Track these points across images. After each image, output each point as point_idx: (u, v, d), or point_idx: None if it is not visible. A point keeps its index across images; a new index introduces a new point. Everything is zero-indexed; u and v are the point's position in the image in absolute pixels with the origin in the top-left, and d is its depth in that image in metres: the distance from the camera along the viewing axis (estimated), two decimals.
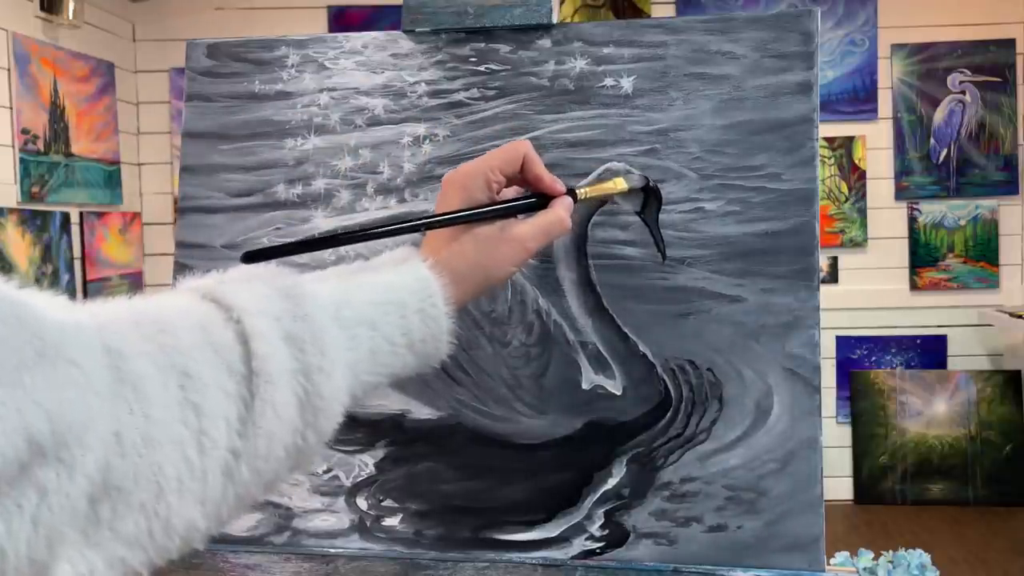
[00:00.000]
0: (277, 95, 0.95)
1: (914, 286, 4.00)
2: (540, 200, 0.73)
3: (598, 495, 0.82)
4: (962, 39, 3.93)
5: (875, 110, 3.97)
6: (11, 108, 3.17)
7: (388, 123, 0.92)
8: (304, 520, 0.87)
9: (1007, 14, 3.94)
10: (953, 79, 3.95)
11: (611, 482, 0.82)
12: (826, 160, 3.96)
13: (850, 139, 3.97)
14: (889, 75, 3.97)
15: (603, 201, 0.84)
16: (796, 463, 0.79)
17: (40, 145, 3.29)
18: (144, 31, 4.01)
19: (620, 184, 0.82)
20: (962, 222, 3.98)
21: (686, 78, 0.86)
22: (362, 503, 0.86)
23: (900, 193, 4.00)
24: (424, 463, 0.86)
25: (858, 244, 3.99)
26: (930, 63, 3.95)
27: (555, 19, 0.90)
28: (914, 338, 4.01)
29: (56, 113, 3.40)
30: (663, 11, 3.94)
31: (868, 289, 3.99)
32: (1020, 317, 3.55)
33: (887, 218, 4.00)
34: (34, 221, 3.24)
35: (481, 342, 0.86)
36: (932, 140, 3.97)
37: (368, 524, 0.85)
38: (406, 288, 0.64)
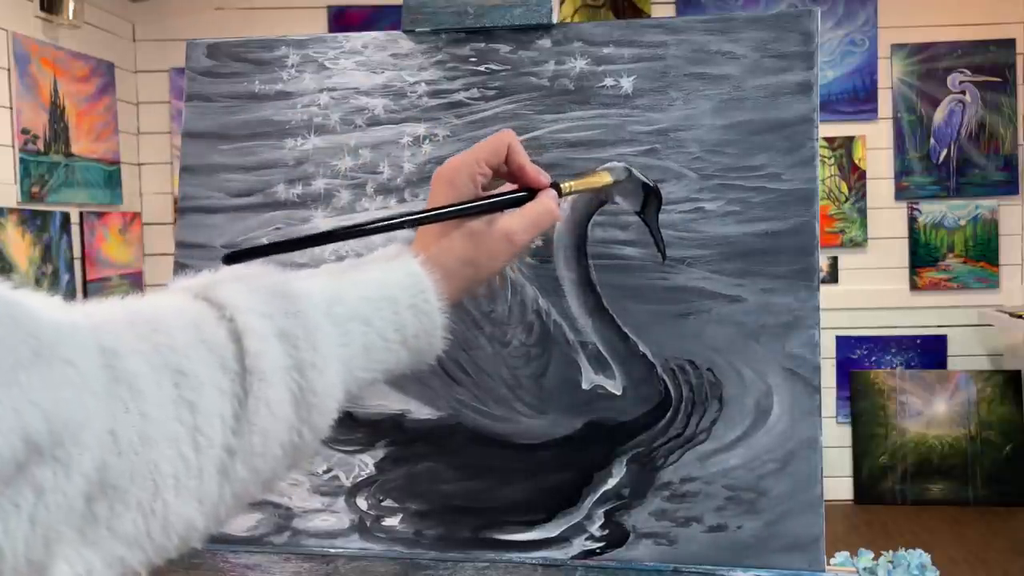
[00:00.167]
0: (277, 95, 0.95)
1: (914, 286, 4.00)
2: (529, 194, 0.72)
3: (598, 495, 0.82)
4: (962, 39, 3.93)
5: (875, 110, 3.97)
6: (11, 108, 3.17)
7: (388, 123, 0.92)
8: (304, 520, 0.87)
9: (1007, 14, 3.94)
10: (953, 79, 3.95)
11: (611, 482, 0.82)
12: (826, 160, 3.96)
13: (850, 139, 3.97)
14: (889, 75, 3.97)
15: (603, 201, 0.84)
16: (796, 463, 0.79)
17: (40, 145, 3.29)
18: (144, 31, 4.01)
19: (605, 177, 0.81)
20: (962, 222, 3.98)
21: (686, 78, 0.86)
22: (362, 503, 0.86)
23: (900, 193, 4.00)
24: (424, 463, 0.86)
25: (858, 244, 3.99)
26: (930, 63, 3.95)
27: (555, 19, 0.90)
28: (914, 338, 4.01)
29: (56, 113, 3.40)
30: (663, 11, 3.94)
31: (868, 289, 3.99)
32: (1020, 317, 3.55)
33: (887, 218, 4.00)
34: (34, 221, 3.24)
35: (481, 342, 0.86)
36: (932, 140, 3.97)
37: (368, 524, 0.85)
38: (398, 284, 0.64)
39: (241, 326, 0.53)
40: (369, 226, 0.67)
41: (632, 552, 0.80)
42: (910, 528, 3.65)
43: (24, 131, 3.21)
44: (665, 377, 0.83)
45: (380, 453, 0.87)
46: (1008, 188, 3.97)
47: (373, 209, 0.91)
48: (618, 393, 0.84)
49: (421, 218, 0.68)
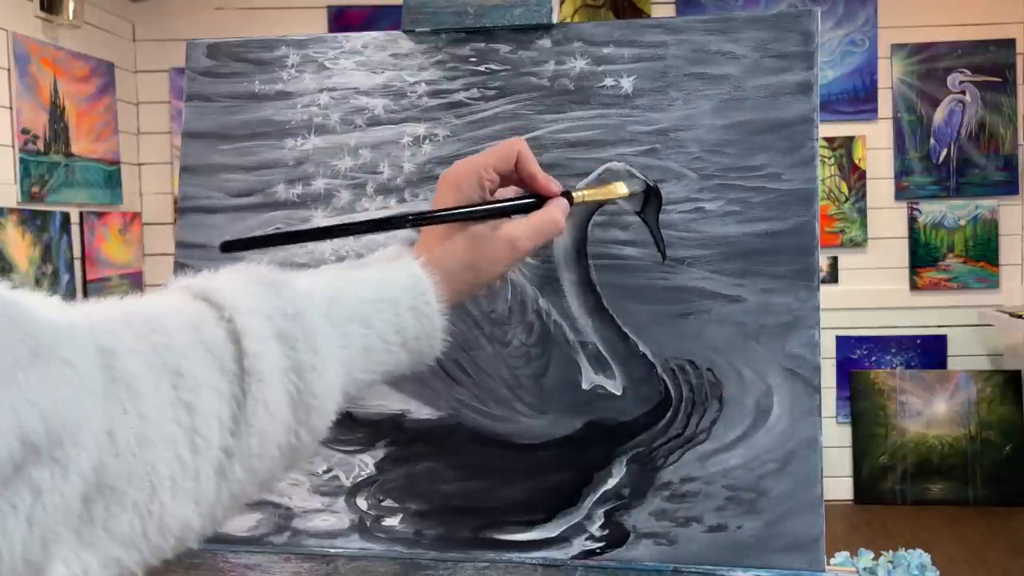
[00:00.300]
0: (277, 95, 0.95)
1: (914, 286, 4.00)
2: (536, 200, 0.73)
3: (598, 495, 0.82)
4: (962, 39, 3.93)
5: (875, 110, 3.97)
6: (11, 108, 3.17)
7: (388, 123, 0.92)
8: (304, 520, 0.87)
9: (1007, 14, 3.94)
10: (953, 79, 3.95)
11: (611, 482, 0.82)
12: (826, 160, 3.96)
13: (850, 139, 3.97)
14: (889, 75, 3.97)
15: (603, 201, 0.84)
16: (796, 463, 0.79)
17: (40, 145, 3.29)
18: (144, 31, 4.01)
19: (620, 189, 0.81)
20: (962, 222, 3.98)
21: (686, 78, 0.86)
22: (362, 503, 0.86)
23: (900, 193, 4.00)
24: (424, 463, 0.86)
25: (858, 244, 3.99)
26: (930, 63, 3.95)
27: (555, 19, 0.90)
28: (914, 338, 4.01)
29: (56, 113, 3.40)
30: (663, 11, 3.94)
31: (868, 289, 3.99)
32: (1020, 317, 3.55)
33: (887, 218, 4.00)
34: (34, 221, 3.24)
35: (481, 342, 0.86)
36: (932, 140, 3.97)
37: (368, 524, 0.85)
38: (398, 285, 0.64)
39: (240, 327, 0.53)
40: (373, 222, 0.67)
41: (632, 552, 0.80)
42: (910, 528, 3.65)
43: (24, 131, 3.21)
44: (665, 377, 0.83)
45: (380, 453, 0.87)
46: (1008, 188, 3.97)
47: (373, 209, 0.91)
48: (618, 393, 0.84)
49: (426, 218, 0.68)
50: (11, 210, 3.14)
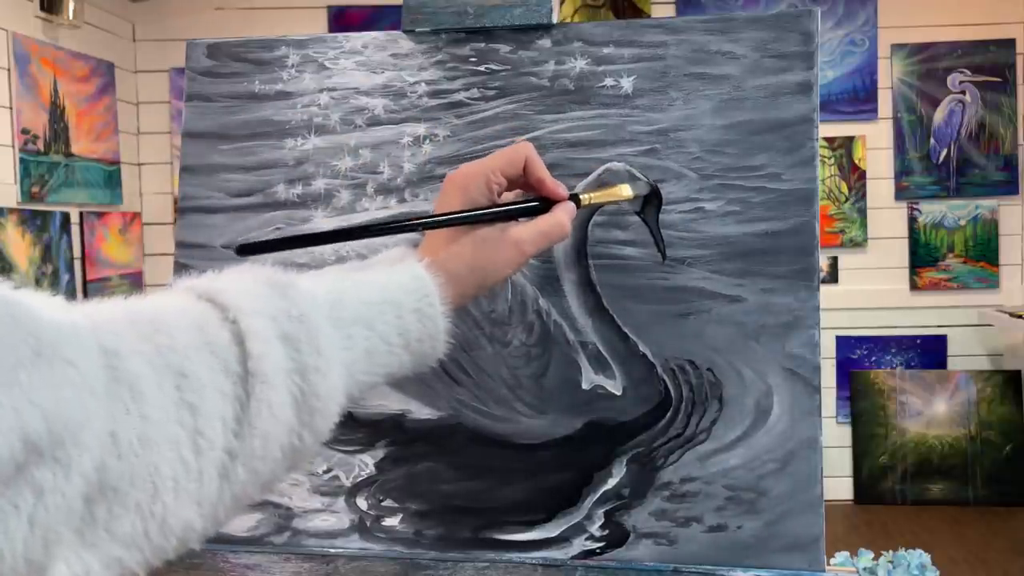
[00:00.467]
0: (277, 95, 0.95)
1: (914, 286, 4.00)
2: (542, 204, 0.73)
3: (598, 495, 0.82)
4: (962, 39, 3.93)
5: (875, 110, 3.97)
6: (11, 108, 3.17)
7: (388, 123, 0.92)
8: (304, 520, 0.87)
9: (1007, 14, 3.94)
10: (953, 79, 3.95)
11: (611, 482, 0.82)
12: (826, 160, 3.96)
13: (850, 139, 3.97)
14: (889, 75, 3.97)
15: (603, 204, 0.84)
16: (796, 463, 0.79)
17: (40, 145, 3.29)
18: (144, 31, 4.01)
19: (625, 191, 0.82)
20: (962, 222, 3.98)
21: (686, 78, 0.86)
22: (362, 503, 0.86)
23: (900, 193, 4.00)
24: (424, 463, 0.86)
25: (858, 244, 3.99)
26: (930, 63, 3.95)
27: (555, 19, 0.90)
28: (914, 338, 4.01)
29: (56, 113, 3.40)
30: (663, 11, 3.94)
31: (868, 289, 3.99)
32: (1020, 317, 3.55)
33: (887, 218, 4.00)
34: (34, 221, 3.24)
35: (481, 342, 0.86)
36: (932, 140, 3.97)
37: (368, 524, 0.85)
38: (402, 288, 0.64)
39: (244, 328, 0.53)
40: (385, 226, 0.68)
41: (632, 552, 0.80)
42: (910, 528, 3.65)
43: (24, 131, 3.21)
44: (665, 377, 0.83)
45: (380, 453, 0.87)
46: (1008, 188, 3.97)
47: (373, 209, 0.91)
48: (618, 393, 0.84)
49: (440, 221, 0.68)
50: (11, 210, 3.14)
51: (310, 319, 0.57)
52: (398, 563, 0.83)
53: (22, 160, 3.20)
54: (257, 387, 0.53)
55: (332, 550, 0.85)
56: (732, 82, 0.86)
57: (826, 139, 3.94)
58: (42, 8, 3.31)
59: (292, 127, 0.94)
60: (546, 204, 0.73)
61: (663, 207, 0.84)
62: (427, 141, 0.91)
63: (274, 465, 0.55)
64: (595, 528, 0.81)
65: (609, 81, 0.88)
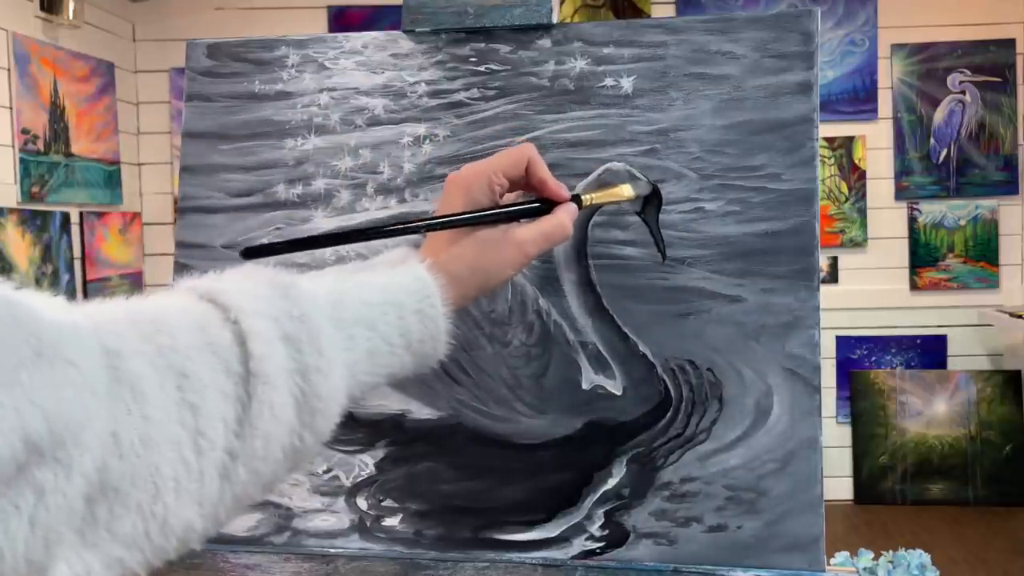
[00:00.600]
0: (277, 95, 0.95)
1: (914, 286, 4.00)
2: (544, 205, 0.73)
3: (598, 495, 0.82)
4: (962, 39, 3.93)
5: (875, 110, 3.97)
6: (11, 108, 3.17)
7: (388, 123, 0.92)
8: (304, 520, 0.87)
9: (1007, 14, 3.94)
10: (953, 79, 3.95)
11: (611, 482, 0.82)
12: (826, 160, 3.96)
13: (850, 139, 3.97)
14: (889, 75, 3.97)
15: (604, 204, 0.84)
16: (796, 463, 0.79)
17: (40, 145, 3.29)
18: (144, 31, 4.01)
19: (627, 191, 0.82)
20: (962, 222, 3.98)
21: (686, 78, 0.86)
22: (362, 503, 0.86)
23: (900, 193, 4.00)
24: (424, 463, 0.86)
25: (858, 244, 3.99)
26: (930, 63, 3.95)
27: (555, 19, 0.90)
28: (914, 338, 4.01)
29: (56, 113, 3.40)
30: (663, 11, 3.94)
31: (868, 289, 3.99)
32: (1020, 317, 3.55)
33: (887, 218, 4.00)
34: (34, 221, 3.24)
35: (481, 342, 0.86)
36: (932, 140, 3.97)
37: (368, 524, 0.85)
38: (404, 288, 0.64)
39: (246, 329, 0.53)
40: (389, 228, 0.68)
41: (632, 552, 0.80)
42: (910, 528, 3.65)
43: (24, 131, 3.21)
44: (665, 377, 0.83)
45: (380, 453, 0.87)
46: (1008, 188, 3.97)
47: (373, 209, 0.91)
48: (618, 393, 0.84)
49: (443, 222, 0.69)
50: (11, 210, 3.14)
51: (312, 320, 0.57)
52: (398, 563, 0.83)
53: (22, 160, 3.20)
54: (259, 388, 0.53)
55: (332, 550, 0.85)
56: (732, 82, 0.86)
57: (826, 139, 3.94)
58: (42, 8, 3.31)
59: (292, 127, 0.94)
60: (548, 205, 0.73)
61: (663, 207, 0.84)
62: (427, 141, 0.91)
63: (275, 465, 0.55)
64: (595, 528, 0.81)
65: (609, 81, 0.88)
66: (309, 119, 0.94)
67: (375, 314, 0.62)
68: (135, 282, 3.89)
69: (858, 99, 3.97)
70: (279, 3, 3.95)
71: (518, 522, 0.83)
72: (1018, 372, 3.95)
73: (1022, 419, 3.93)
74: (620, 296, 0.84)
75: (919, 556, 1.19)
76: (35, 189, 3.25)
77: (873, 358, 4.02)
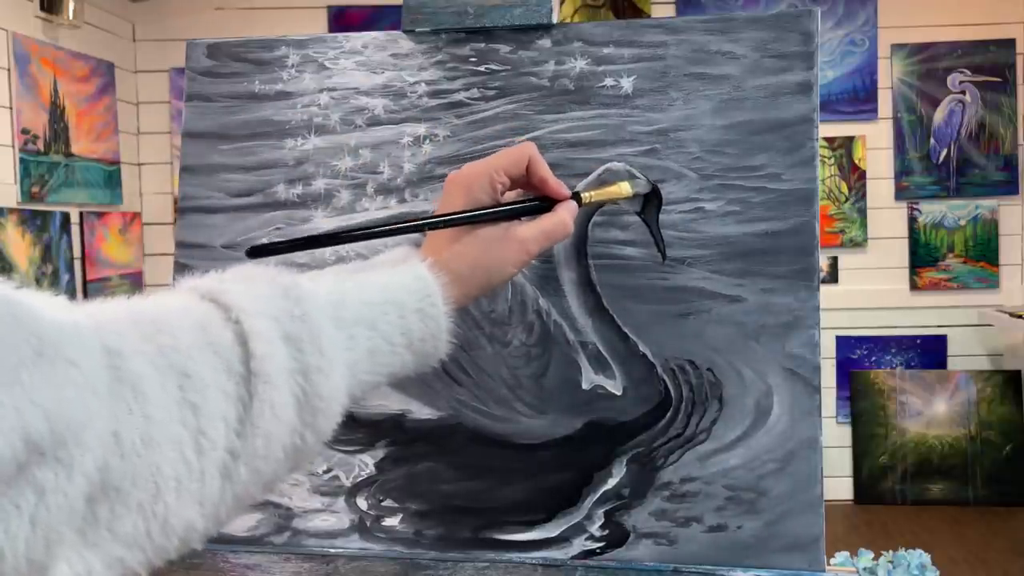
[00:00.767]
0: (277, 95, 0.95)
1: (914, 286, 4.00)
2: (544, 203, 0.73)
3: (598, 495, 0.82)
4: (962, 39, 3.93)
5: (875, 110, 3.97)
6: (11, 108, 3.17)
7: (388, 123, 0.92)
8: (304, 520, 0.87)
9: (1007, 14, 3.94)
10: (953, 79, 3.95)
11: (611, 482, 0.82)
12: (826, 160, 3.96)
13: (850, 139, 3.97)
14: (889, 75, 3.97)
15: (603, 201, 0.84)
16: (796, 463, 0.79)
17: (40, 145, 3.29)
18: (144, 31, 4.01)
19: (625, 189, 0.82)
20: (962, 222, 3.98)
21: (686, 78, 0.86)
22: (362, 503, 0.86)
23: (900, 193, 4.00)
24: (424, 463, 0.86)
25: (858, 244, 3.99)
26: (930, 63, 3.95)
27: (555, 19, 0.90)
28: (914, 338, 4.01)
29: (56, 113, 3.40)
30: (663, 11, 3.94)
31: (868, 289, 3.99)
32: (1020, 317, 3.55)
33: (887, 218, 4.00)
34: (34, 221, 3.24)
35: (481, 342, 0.86)
36: (932, 140, 3.97)
37: (368, 524, 0.85)
38: (405, 288, 0.64)
39: (247, 329, 0.53)
40: (391, 227, 0.68)
41: (632, 552, 0.80)
42: (910, 528, 3.65)
43: (24, 131, 3.21)
44: (665, 377, 0.83)
45: (380, 453, 0.87)
46: (1008, 188, 3.97)
47: (373, 209, 0.91)
48: (618, 393, 0.84)
49: (445, 221, 0.69)
50: (11, 210, 3.14)
51: (313, 319, 0.57)
52: (398, 563, 0.83)
53: (22, 160, 3.20)
54: (260, 387, 0.53)
55: (332, 550, 0.85)
56: (732, 82, 0.86)
57: (826, 139, 3.94)
58: (42, 8, 3.31)
59: (292, 127, 0.94)
60: (548, 203, 0.73)
61: (663, 207, 0.84)
62: (427, 141, 0.91)
63: (276, 465, 0.55)
64: (595, 528, 0.81)
65: (609, 81, 0.88)
66: (309, 119, 0.94)
67: (376, 313, 0.62)
68: (135, 282, 3.89)
69: (858, 99, 3.97)
70: (279, 3, 3.95)
71: (518, 522, 0.83)
72: (1018, 372, 3.95)
73: (1022, 419, 3.93)
74: (620, 296, 0.84)
75: (919, 556, 1.19)
76: (35, 189, 3.25)
77: (873, 358, 4.02)
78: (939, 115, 3.96)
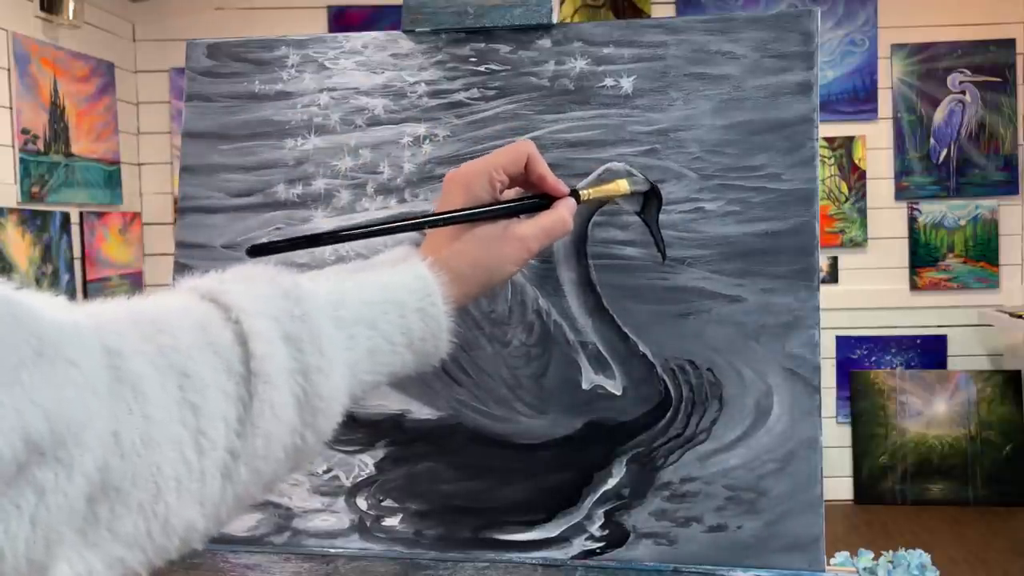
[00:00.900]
0: (277, 95, 0.95)
1: (914, 286, 4.00)
2: (543, 200, 0.73)
3: (598, 495, 0.82)
4: (962, 39, 3.93)
5: (875, 110, 3.97)
6: (11, 108, 3.17)
7: (388, 123, 0.92)
8: (304, 520, 0.87)
9: (1007, 14, 3.94)
10: (953, 79, 3.95)
11: (611, 482, 0.82)
12: (826, 160, 3.96)
13: (850, 139, 3.97)
14: (889, 75, 3.97)
15: (603, 201, 0.84)
16: (796, 463, 0.79)
17: (40, 145, 3.29)
18: (144, 31, 4.01)
19: (623, 187, 0.82)
20: (962, 222, 3.98)
21: (686, 78, 0.86)
22: (362, 503, 0.86)
23: (900, 193, 4.00)
24: (424, 463, 0.86)
25: (858, 244, 3.99)
26: (930, 63, 3.95)
27: (555, 19, 0.90)
28: (914, 338, 4.01)
29: (56, 113, 3.40)
30: (663, 11, 3.94)
31: (868, 289, 3.99)
32: (1020, 317, 3.55)
33: (887, 218, 4.00)
34: (34, 221, 3.24)
35: (481, 342, 0.86)
36: (932, 140, 3.97)
37: (368, 524, 0.85)
38: (405, 287, 0.64)
39: (247, 329, 0.53)
40: (392, 225, 0.68)
41: (632, 552, 0.80)
42: (910, 528, 3.65)
43: (24, 131, 3.21)
44: (665, 377, 0.83)
45: (380, 453, 0.87)
46: (1008, 188, 3.97)
47: (373, 209, 0.91)
48: (618, 393, 0.84)
49: (446, 218, 0.69)
50: (11, 210, 3.14)
51: (312, 319, 0.57)
52: (398, 563, 0.83)
53: (22, 160, 3.20)
54: (260, 387, 0.53)
55: (332, 550, 0.85)
56: (732, 82, 0.86)
57: (826, 139, 3.94)
58: (42, 8, 3.31)
59: (292, 127, 0.94)
60: (547, 201, 0.73)
61: (663, 207, 0.84)
62: (427, 141, 0.91)
63: (276, 465, 0.55)
64: (595, 528, 0.81)
65: (609, 81, 0.88)
66: (309, 119, 0.94)
67: (376, 313, 0.62)
68: (135, 282, 3.89)
69: (858, 99, 3.97)
70: (279, 3, 3.95)
71: (518, 522, 0.83)
72: (1018, 372, 3.95)
73: (1022, 419, 3.93)
74: (620, 296, 0.84)
75: (919, 556, 1.19)
76: (35, 189, 3.25)
77: (873, 358, 4.02)
78: (939, 115, 3.96)
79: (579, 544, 0.81)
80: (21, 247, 3.17)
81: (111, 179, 3.74)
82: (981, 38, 3.93)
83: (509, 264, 0.70)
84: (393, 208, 0.90)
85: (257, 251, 0.64)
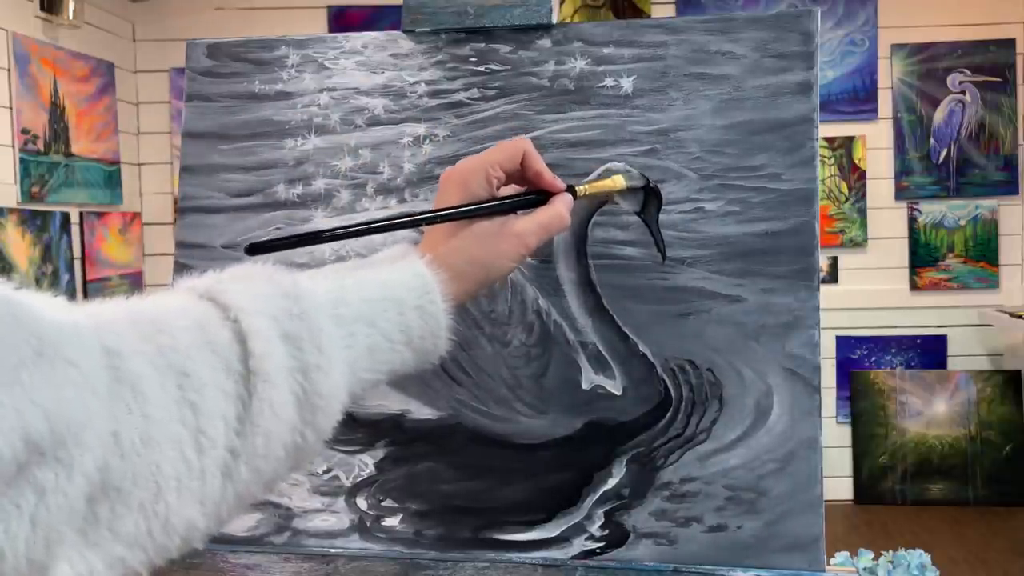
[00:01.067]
0: (277, 95, 0.95)
1: (914, 286, 4.00)
2: (540, 197, 0.73)
3: (598, 495, 0.82)
4: (962, 39, 3.93)
5: (875, 110, 3.97)
6: (11, 108, 3.17)
7: (388, 123, 0.92)
8: (304, 520, 0.87)
9: (1007, 14, 3.94)
10: (953, 79, 3.95)
11: (611, 482, 0.82)
12: (826, 160, 3.96)
13: (850, 139, 3.97)
14: (889, 75, 3.97)
15: (603, 201, 0.85)
16: (796, 463, 0.79)
17: (40, 145, 3.29)
18: (144, 31, 4.01)
19: (619, 182, 0.82)
20: (962, 222, 3.98)
21: (686, 78, 0.86)
22: (362, 503, 0.86)
23: (900, 193, 4.00)
24: (424, 463, 0.86)
25: (858, 244, 3.99)
26: (930, 63, 3.95)
27: (555, 19, 0.90)
28: (914, 338, 4.01)
29: (56, 113, 3.40)
30: (663, 11, 3.94)
31: (868, 289, 3.99)
32: (1020, 317, 3.55)
33: (887, 218, 4.00)
34: (34, 221, 3.24)
35: (481, 342, 0.86)
36: (932, 140, 3.97)
37: (368, 524, 0.85)
38: (404, 285, 0.64)
39: (246, 327, 0.53)
40: (390, 222, 0.68)
41: (632, 552, 0.80)
42: (910, 528, 3.65)
43: (24, 131, 3.21)
44: (665, 377, 0.83)
45: (380, 453, 0.87)
46: (1008, 188, 3.97)
47: (373, 209, 0.91)
48: (618, 393, 0.84)
49: (443, 215, 0.69)
50: (11, 210, 3.14)
51: (311, 317, 0.57)
52: (398, 563, 0.83)
53: (22, 160, 3.20)
54: (259, 386, 0.53)
55: (332, 550, 0.85)
56: (732, 82, 0.86)
57: (826, 139, 3.94)
58: (42, 8, 3.31)
59: (292, 127, 0.94)
60: (544, 197, 0.73)
61: (663, 207, 0.84)
62: (427, 141, 0.91)
63: (277, 464, 0.55)
64: (595, 528, 0.81)
65: (609, 81, 0.88)
66: (309, 119, 0.94)
67: (375, 311, 0.62)
68: (135, 282, 3.89)
69: (858, 99, 3.97)
70: (279, 3, 3.95)
71: (518, 522, 0.83)
72: (1018, 372, 3.95)
73: (1022, 419, 3.93)
74: (620, 296, 0.84)
75: (919, 556, 1.19)
76: (35, 189, 3.26)
77: (873, 358, 4.02)
78: (939, 115, 3.96)
79: (579, 544, 0.81)
80: (21, 247, 3.17)
81: (111, 179, 3.74)
82: (981, 38, 3.93)
83: (507, 260, 0.70)
84: (393, 208, 0.91)
85: (255, 249, 0.64)
